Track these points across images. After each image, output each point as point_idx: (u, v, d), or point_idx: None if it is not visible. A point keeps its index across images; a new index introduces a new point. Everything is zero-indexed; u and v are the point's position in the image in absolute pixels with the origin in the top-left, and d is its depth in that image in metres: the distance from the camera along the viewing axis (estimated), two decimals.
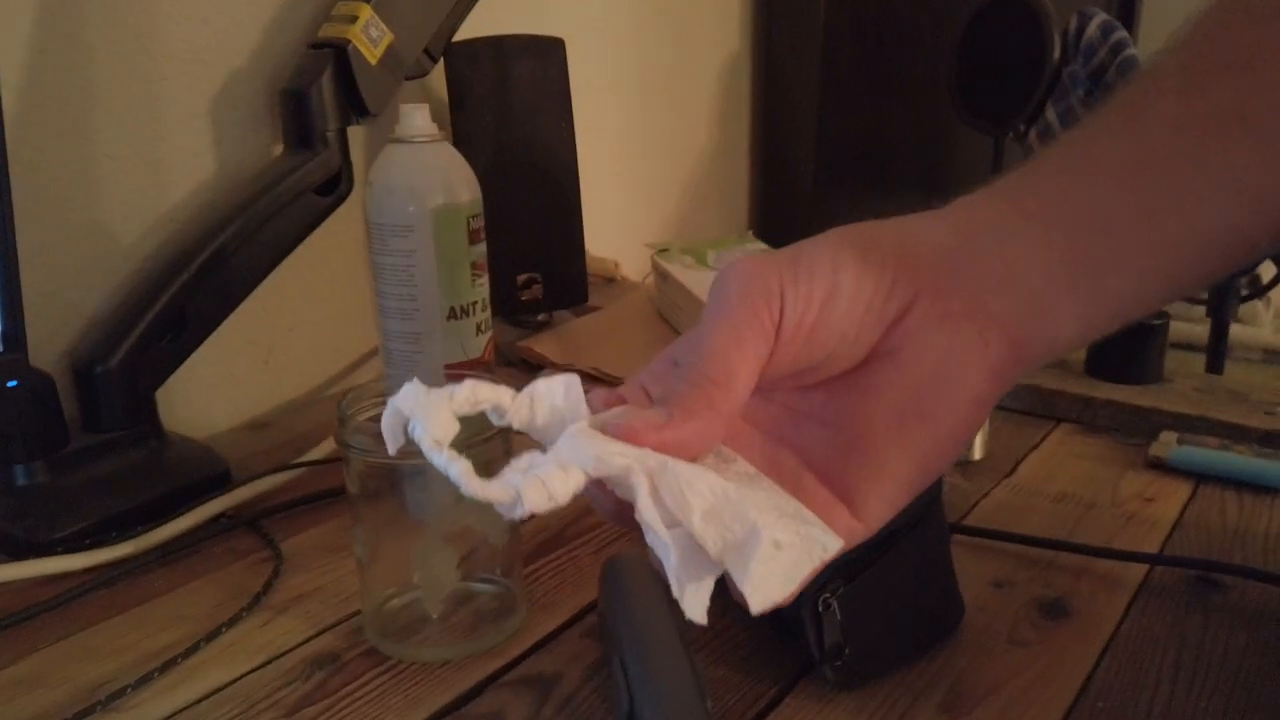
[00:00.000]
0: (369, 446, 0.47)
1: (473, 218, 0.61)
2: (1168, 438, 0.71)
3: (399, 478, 0.48)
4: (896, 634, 0.48)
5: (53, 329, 0.70)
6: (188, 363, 0.74)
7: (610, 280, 1.10)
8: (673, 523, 0.30)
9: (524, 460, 0.30)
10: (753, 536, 0.29)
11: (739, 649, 0.50)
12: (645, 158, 1.26)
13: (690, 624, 0.50)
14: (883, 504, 0.34)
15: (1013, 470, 0.69)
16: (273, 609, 0.55)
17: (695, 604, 0.29)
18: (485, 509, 0.49)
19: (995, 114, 1.24)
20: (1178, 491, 0.66)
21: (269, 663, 0.50)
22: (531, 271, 0.87)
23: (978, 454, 0.71)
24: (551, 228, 0.86)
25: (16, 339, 0.51)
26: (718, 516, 0.30)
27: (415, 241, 0.59)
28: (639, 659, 0.44)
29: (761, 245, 0.97)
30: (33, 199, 0.68)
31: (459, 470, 0.29)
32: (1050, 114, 1.11)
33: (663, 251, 0.94)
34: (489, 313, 0.63)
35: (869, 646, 0.47)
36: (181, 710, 0.47)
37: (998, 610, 0.53)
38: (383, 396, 0.50)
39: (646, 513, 0.29)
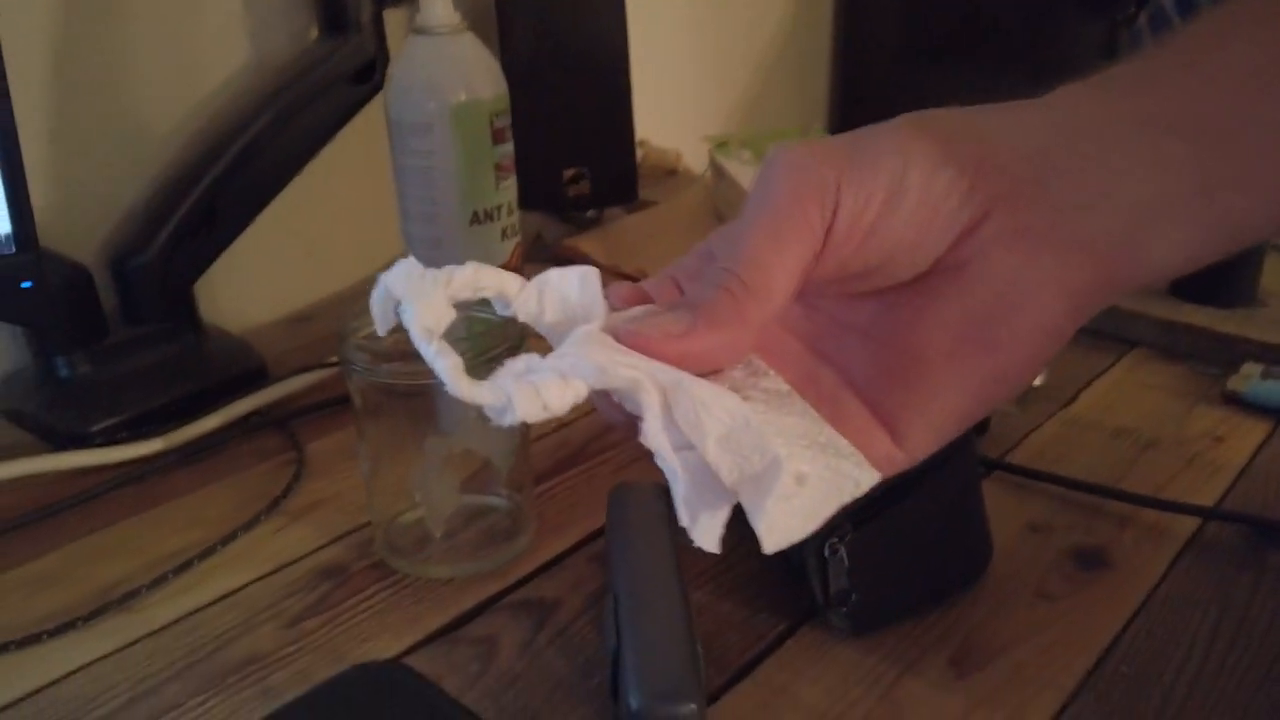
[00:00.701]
0: (368, 364, 0.46)
1: (496, 115, 0.57)
2: (1250, 369, 0.65)
3: (400, 395, 0.47)
4: (910, 581, 0.46)
5: (91, 221, 0.70)
6: (229, 254, 0.73)
7: (671, 172, 1.06)
8: (686, 445, 0.27)
9: (520, 362, 0.27)
10: (772, 468, 0.26)
11: (748, 584, 0.48)
12: (713, 36, 1.19)
13: (697, 555, 0.48)
14: (929, 434, 0.30)
15: (1073, 399, 0.65)
16: (289, 514, 0.55)
17: (708, 533, 0.27)
18: (486, 432, 0.48)
19: None
20: (1252, 432, 0.60)
21: (277, 571, 0.50)
22: (578, 165, 0.83)
23: (1038, 379, 0.67)
24: (599, 120, 0.82)
25: (27, 239, 0.50)
26: (735, 444, 0.26)
27: (434, 141, 0.56)
28: (632, 598, 0.42)
29: None
30: (66, 89, 0.67)
31: (447, 366, 0.26)
32: None
33: (721, 146, 0.89)
34: (515, 216, 0.61)
35: (878, 593, 0.44)
36: (189, 614, 0.48)
37: (1029, 557, 0.50)
38: None
39: (653, 435, 0.27)
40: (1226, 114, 0.29)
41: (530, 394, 0.26)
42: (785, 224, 0.28)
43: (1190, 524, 0.52)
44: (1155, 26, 1.02)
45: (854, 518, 0.43)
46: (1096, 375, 0.68)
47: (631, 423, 0.28)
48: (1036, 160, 0.29)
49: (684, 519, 0.27)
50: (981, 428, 0.61)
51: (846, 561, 0.43)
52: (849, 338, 0.32)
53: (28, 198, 0.50)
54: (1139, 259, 0.30)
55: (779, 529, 0.26)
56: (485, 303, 0.49)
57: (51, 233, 0.68)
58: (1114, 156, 0.29)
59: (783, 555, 0.47)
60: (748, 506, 0.26)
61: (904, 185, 0.28)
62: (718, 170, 0.88)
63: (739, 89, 1.23)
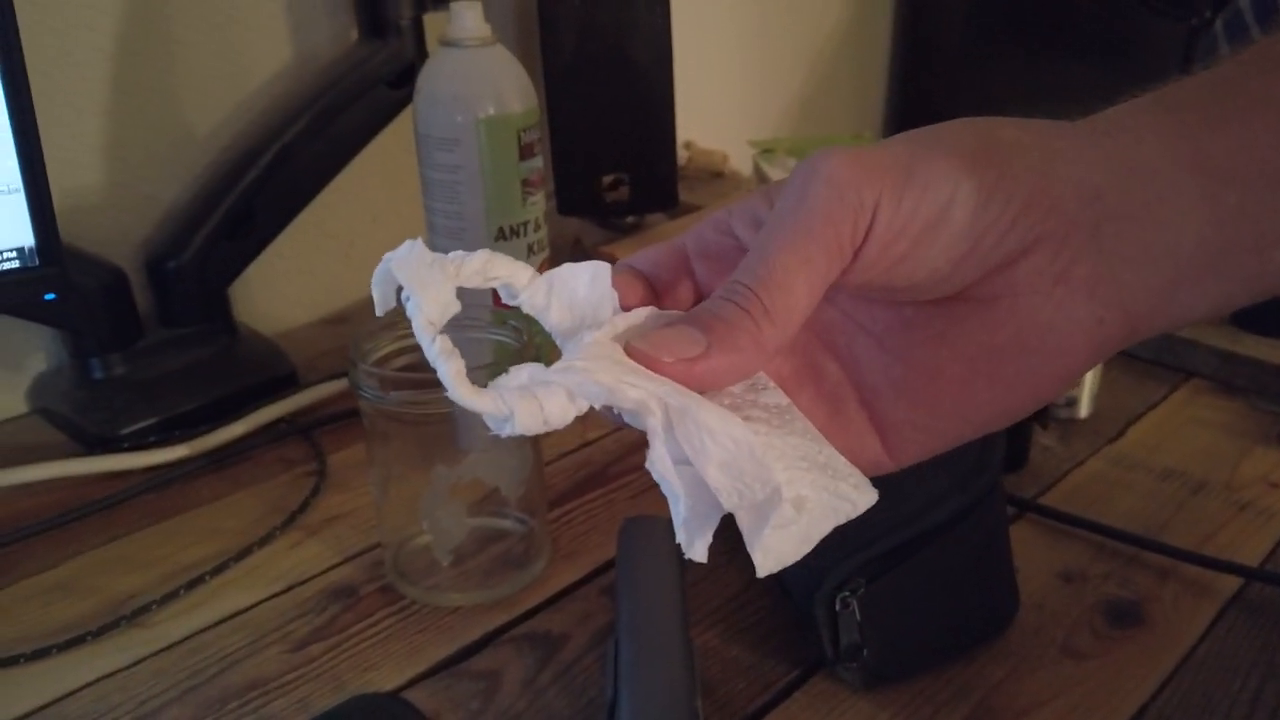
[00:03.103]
0: (378, 391, 0.45)
1: (524, 130, 0.56)
2: None
3: (409, 422, 0.46)
4: (927, 635, 0.44)
5: (129, 221, 0.71)
6: (268, 255, 0.74)
7: (717, 175, 1.04)
8: (685, 460, 0.26)
9: (524, 372, 0.26)
10: (773, 498, 0.25)
11: (758, 626, 0.47)
12: (765, 35, 1.16)
13: (707, 594, 0.47)
14: (920, 449, 0.30)
15: (1120, 434, 0.62)
16: (305, 529, 0.55)
17: (700, 547, 0.26)
18: (494, 461, 0.47)
19: None
20: None
21: (289, 589, 0.50)
22: (618, 171, 0.81)
23: (1084, 411, 0.64)
24: (641, 125, 0.81)
25: (52, 252, 0.50)
26: (737, 471, 0.26)
27: (461, 155, 0.55)
28: (633, 644, 0.41)
29: None
30: (107, 89, 0.68)
31: (449, 370, 0.25)
32: (1243, 0, 0.95)
33: (766, 152, 0.87)
34: (543, 232, 0.60)
35: (892, 648, 0.42)
36: (198, 633, 0.48)
37: (1058, 609, 0.47)
38: (397, 338, 0.48)
39: (659, 463, 0.26)
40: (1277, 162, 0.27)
41: (533, 407, 0.25)
42: (815, 246, 0.26)
43: (1235, 580, 0.49)
44: (1231, 32, 0.97)
45: (869, 570, 0.41)
46: (1148, 408, 0.65)
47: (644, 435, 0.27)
48: (1091, 203, 0.27)
49: (681, 538, 0.26)
50: (1018, 463, 0.58)
51: (858, 616, 0.41)
52: (861, 339, 0.31)
53: (53, 213, 0.51)
54: (1171, 310, 0.28)
55: (774, 554, 0.25)
56: (508, 327, 0.49)
57: (90, 234, 0.69)
58: (1164, 207, 0.27)
59: (794, 602, 0.46)
60: (745, 532, 0.26)
61: (946, 218, 0.27)
62: (762, 177, 0.86)
63: (791, 90, 1.20)
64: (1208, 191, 0.27)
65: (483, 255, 0.27)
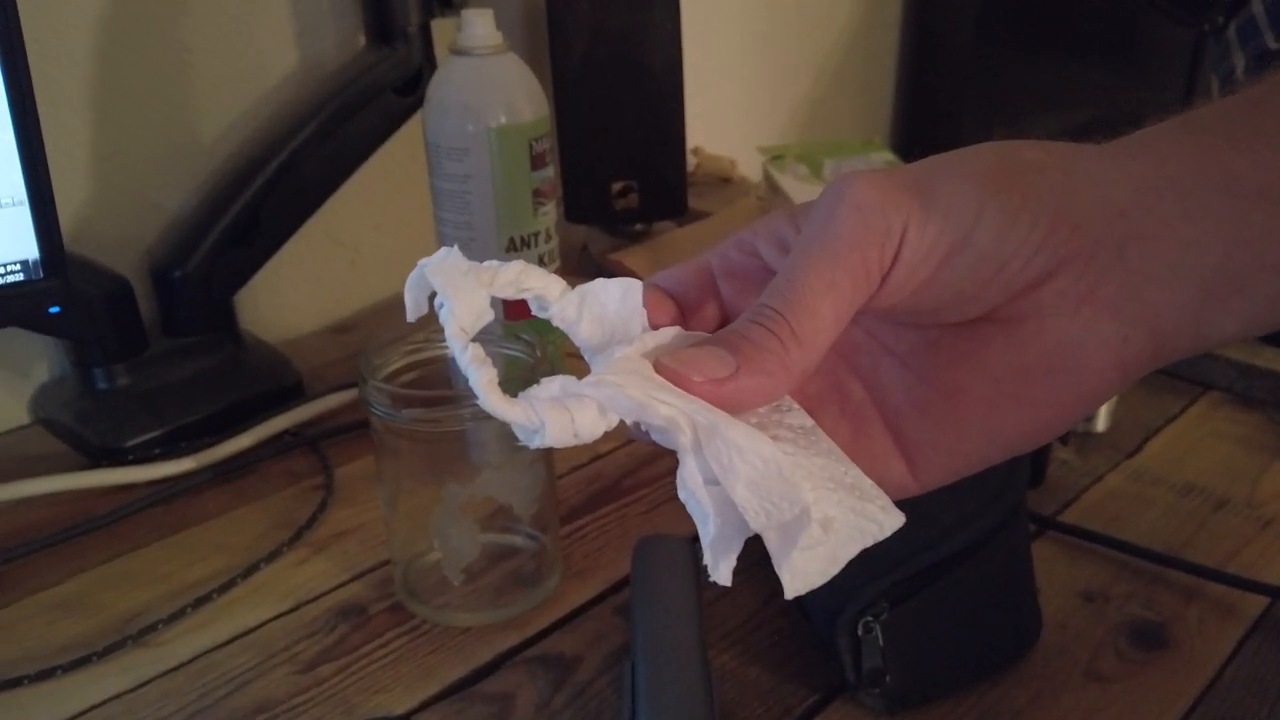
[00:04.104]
0: (389, 408, 0.44)
1: (536, 140, 0.55)
2: None
3: (420, 440, 0.46)
4: (950, 659, 0.43)
5: (133, 229, 0.70)
6: (273, 263, 0.73)
7: (726, 181, 1.03)
8: (714, 479, 0.26)
9: (555, 384, 0.26)
10: (801, 519, 0.25)
11: (777, 647, 0.46)
12: (773, 40, 1.15)
13: (725, 615, 0.46)
14: (945, 472, 0.29)
15: (1138, 448, 0.61)
16: (312, 546, 0.54)
17: (725, 570, 0.26)
18: (506, 479, 0.46)
19: None
20: None
21: (297, 608, 0.49)
22: (627, 179, 0.81)
23: (1101, 424, 0.63)
24: (650, 133, 0.80)
25: (56, 265, 0.50)
26: (765, 490, 0.25)
27: (471, 165, 0.54)
28: (650, 667, 0.40)
29: (889, 156, 0.88)
30: (114, 98, 0.67)
31: (480, 379, 0.25)
32: (1257, 5, 0.94)
33: (776, 159, 0.86)
34: (554, 243, 0.59)
35: (914, 673, 0.42)
36: (205, 653, 0.47)
37: (1081, 630, 0.47)
38: (407, 352, 0.47)
39: (690, 481, 0.26)
40: None
41: (564, 419, 0.25)
42: (842, 271, 0.26)
43: (1261, 600, 0.48)
44: (1244, 38, 0.96)
45: (892, 594, 0.41)
46: (1166, 421, 0.64)
47: (659, 449, 0.27)
48: (1115, 222, 0.27)
49: (708, 559, 0.25)
50: (1036, 479, 0.57)
51: (881, 641, 0.40)
52: (886, 360, 0.31)
53: (57, 226, 0.50)
54: (1198, 331, 0.28)
55: (801, 575, 0.25)
56: (520, 342, 0.48)
57: (94, 242, 0.68)
58: (1190, 227, 0.27)
59: (814, 626, 0.45)
60: (773, 552, 0.25)
61: (971, 241, 0.27)
62: (772, 184, 0.85)
63: (799, 95, 1.20)
64: (1234, 211, 0.27)
65: (518, 266, 0.27)
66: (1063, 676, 0.44)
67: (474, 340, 0.25)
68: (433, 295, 0.26)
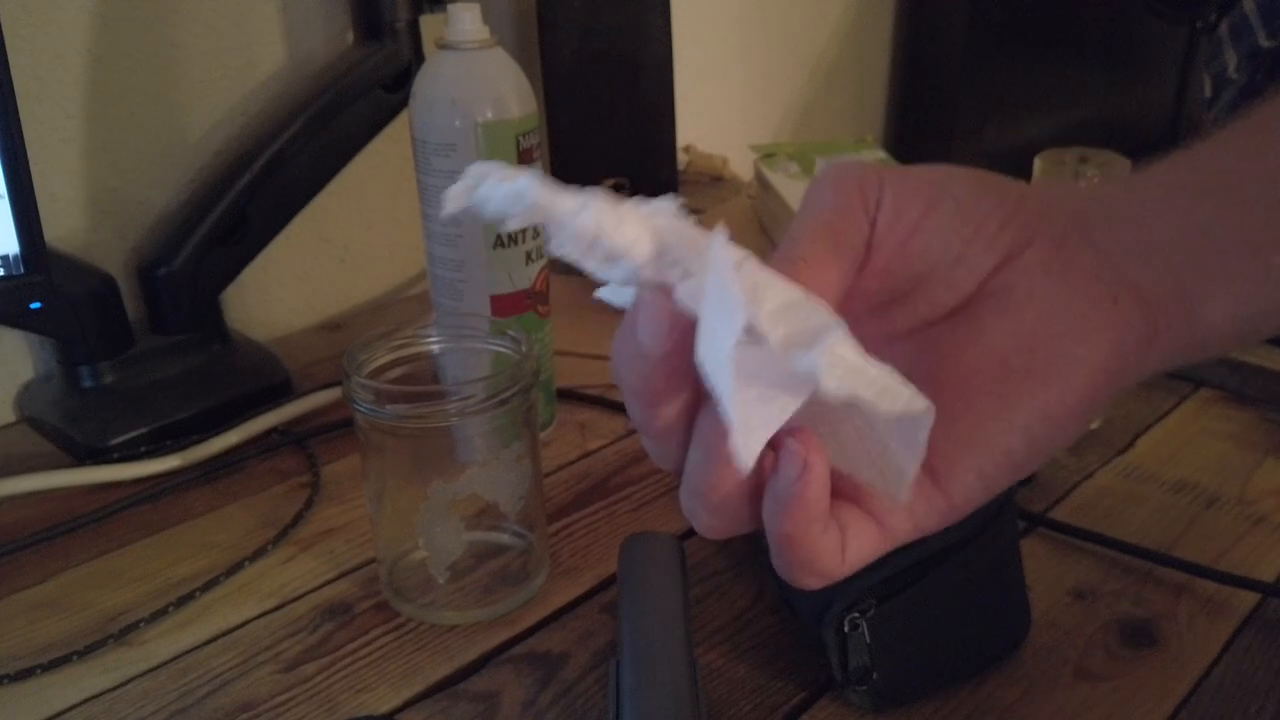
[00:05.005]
0: (373, 404, 0.44)
1: (524, 135, 0.55)
2: None
3: (405, 436, 0.45)
4: (939, 656, 0.43)
5: (120, 226, 0.69)
6: (261, 260, 0.72)
7: (717, 179, 1.03)
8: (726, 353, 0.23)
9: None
10: (826, 328, 0.23)
11: (765, 645, 0.46)
12: (765, 39, 1.15)
13: (712, 612, 0.45)
14: (977, 480, 0.28)
15: (1129, 445, 0.61)
16: (298, 544, 0.54)
17: (754, 444, 0.23)
18: (493, 477, 0.46)
19: None
20: None
21: (281, 607, 0.49)
22: (618, 176, 0.80)
23: (1094, 421, 0.63)
24: (641, 129, 0.79)
25: (37, 260, 0.49)
26: (790, 314, 0.23)
27: (459, 161, 0.54)
28: (637, 665, 0.40)
29: (881, 155, 0.87)
30: (97, 91, 0.66)
31: (528, 181, 0.23)
32: (1249, 3, 0.94)
33: (768, 157, 0.86)
34: (542, 239, 0.58)
35: (902, 671, 0.41)
36: (186, 652, 0.46)
37: (1071, 628, 0.46)
38: (393, 348, 0.47)
39: (727, 279, 0.22)
40: (1262, 177, 0.29)
41: (607, 212, 0.23)
42: (834, 212, 0.28)
43: (1251, 597, 0.48)
44: (1236, 37, 0.96)
45: (879, 590, 0.40)
46: (1157, 418, 0.64)
47: (667, 337, 0.24)
48: (1077, 213, 0.29)
49: (736, 436, 0.23)
50: (1027, 478, 0.57)
51: (868, 638, 0.40)
52: None
53: (38, 220, 0.49)
54: (1189, 315, 0.29)
55: (838, 377, 0.23)
56: (506, 337, 0.48)
57: (80, 239, 0.67)
58: (1148, 217, 0.29)
59: (802, 624, 0.45)
60: (800, 364, 0.23)
61: (945, 194, 0.28)
62: (763, 182, 0.85)
63: (791, 93, 1.19)
64: (1184, 203, 0.29)
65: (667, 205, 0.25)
66: (1053, 675, 0.44)
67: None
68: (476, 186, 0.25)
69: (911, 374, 0.29)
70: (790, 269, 0.26)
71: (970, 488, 0.28)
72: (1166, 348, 0.29)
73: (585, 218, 0.23)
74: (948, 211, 0.28)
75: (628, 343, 0.25)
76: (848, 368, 0.23)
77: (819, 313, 0.24)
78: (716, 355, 0.23)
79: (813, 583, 0.27)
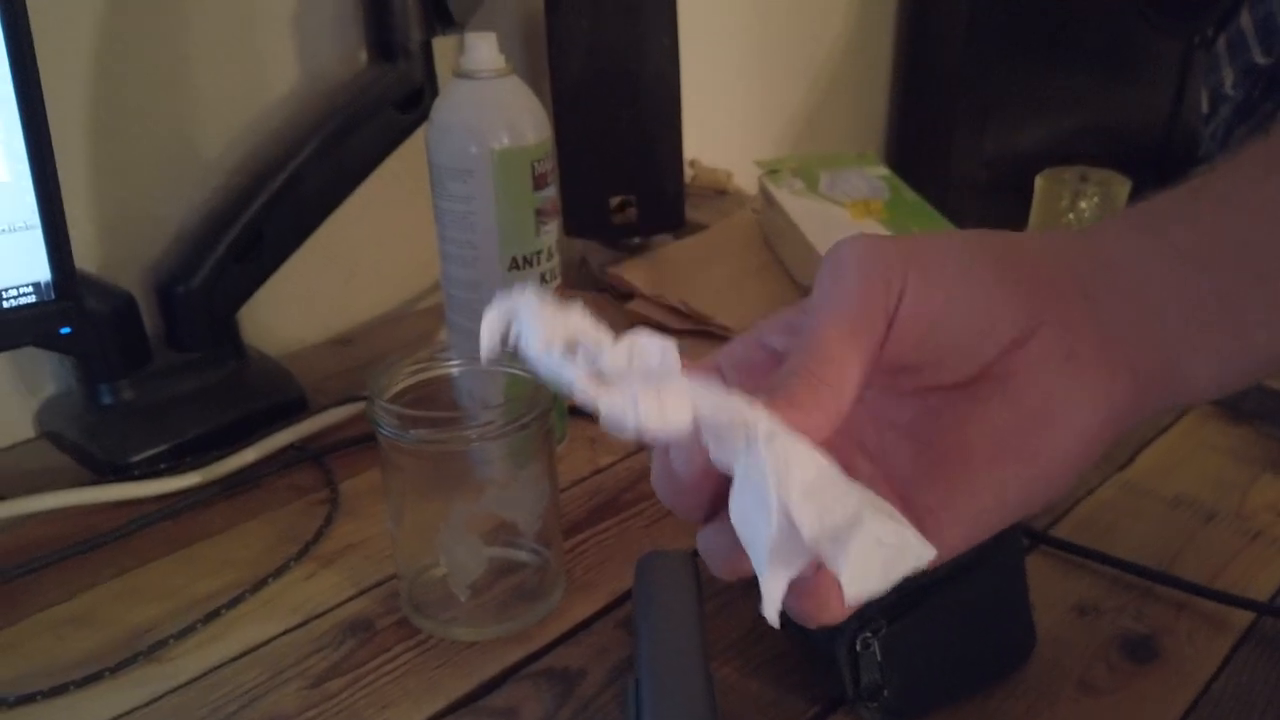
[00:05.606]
0: (396, 427, 0.45)
1: (538, 161, 0.56)
2: None
3: (427, 458, 0.46)
4: (947, 673, 0.44)
5: (138, 244, 0.70)
6: (273, 278, 0.73)
7: (721, 193, 1.04)
8: (761, 506, 0.27)
9: (655, 347, 0.28)
10: (855, 523, 0.26)
11: (778, 660, 0.47)
12: (768, 54, 1.16)
13: (726, 627, 0.47)
14: (961, 533, 0.31)
15: (1129, 461, 0.62)
16: (320, 560, 0.55)
17: (777, 596, 0.27)
18: (512, 497, 0.47)
19: (1182, 9, 1.08)
20: None
21: (305, 623, 0.50)
22: (626, 193, 0.82)
23: None
24: (648, 147, 0.81)
25: (67, 287, 0.50)
26: (819, 494, 0.26)
27: (474, 186, 0.55)
28: (655, 680, 0.41)
29: (883, 170, 0.89)
30: (116, 114, 0.68)
31: (576, 376, 0.27)
32: (1246, 20, 0.96)
33: (773, 173, 0.87)
34: (556, 261, 0.60)
35: (912, 687, 0.43)
36: (215, 668, 0.47)
37: (1074, 642, 0.48)
38: (413, 371, 0.48)
39: (767, 456, 0.26)
40: (1249, 249, 0.30)
41: (654, 406, 0.27)
42: (857, 315, 0.29)
43: (1248, 615, 0.49)
44: (1234, 52, 0.97)
45: (889, 610, 0.42)
46: (1157, 434, 0.65)
47: (698, 480, 0.29)
48: (1083, 286, 0.31)
49: (765, 589, 0.26)
50: None
51: (879, 656, 0.41)
52: (890, 435, 0.32)
53: (69, 248, 0.51)
54: (1178, 385, 0.31)
55: (860, 578, 0.26)
56: (520, 363, 0.49)
57: (98, 258, 0.68)
58: (1149, 290, 0.31)
59: (813, 641, 0.46)
60: (829, 557, 0.26)
61: (963, 293, 0.30)
62: (768, 198, 0.86)
63: (794, 108, 1.21)
64: (1182, 276, 0.30)
65: (579, 313, 0.29)
66: (1056, 689, 0.45)
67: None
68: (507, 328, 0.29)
69: (910, 431, 0.32)
70: (818, 369, 0.28)
71: (956, 540, 0.30)
72: (1152, 407, 0.31)
73: (629, 419, 0.27)
74: (962, 310, 0.29)
75: (661, 461, 0.29)
76: (874, 566, 0.26)
77: (848, 496, 0.26)
78: (754, 540, 0.26)
79: (823, 624, 0.29)
